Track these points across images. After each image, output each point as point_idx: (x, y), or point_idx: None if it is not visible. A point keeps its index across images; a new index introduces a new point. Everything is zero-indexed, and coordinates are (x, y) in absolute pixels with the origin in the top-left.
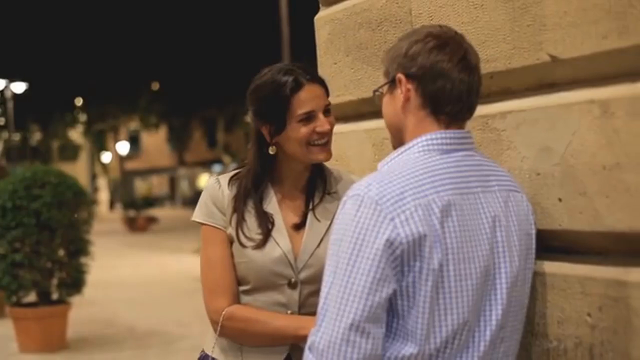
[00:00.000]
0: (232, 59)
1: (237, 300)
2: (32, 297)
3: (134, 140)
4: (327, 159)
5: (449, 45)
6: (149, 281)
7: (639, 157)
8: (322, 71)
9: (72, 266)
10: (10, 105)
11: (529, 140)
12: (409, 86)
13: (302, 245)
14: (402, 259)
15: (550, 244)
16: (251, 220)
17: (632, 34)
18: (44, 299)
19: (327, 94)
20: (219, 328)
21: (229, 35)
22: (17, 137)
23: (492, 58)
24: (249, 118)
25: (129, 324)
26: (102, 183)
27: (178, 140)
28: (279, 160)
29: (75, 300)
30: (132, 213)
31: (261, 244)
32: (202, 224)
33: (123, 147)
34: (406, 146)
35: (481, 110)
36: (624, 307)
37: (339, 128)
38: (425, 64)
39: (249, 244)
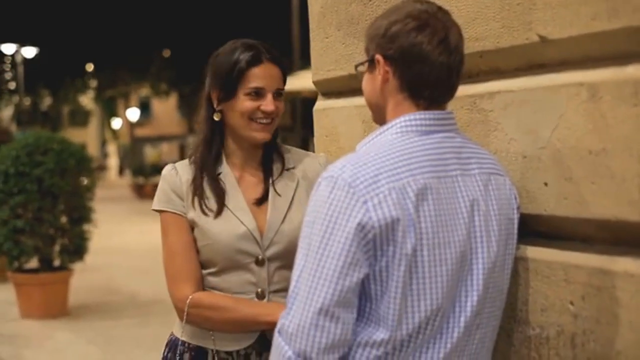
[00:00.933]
0: (242, 27)
1: (201, 286)
2: (34, 263)
3: (144, 107)
4: (265, 139)
5: (429, 26)
6: (153, 249)
7: (625, 143)
8: (313, 45)
9: (74, 233)
10: (20, 69)
11: (517, 122)
12: (387, 68)
13: (267, 222)
14: (375, 243)
15: (536, 229)
16: (208, 191)
17: (621, 16)
18: (46, 265)
19: (284, 79)
20: (185, 316)
21: (240, 3)
22: (27, 101)
23: (481, 36)
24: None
25: (131, 292)
26: (112, 149)
27: (188, 108)
28: (228, 133)
29: (77, 267)
30: (140, 180)
31: (217, 213)
32: (161, 211)
33: (133, 113)
34: (384, 127)
35: (469, 89)
36: (607, 297)
37: (330, 103)
38: (404, 46)
39: (209, 213)
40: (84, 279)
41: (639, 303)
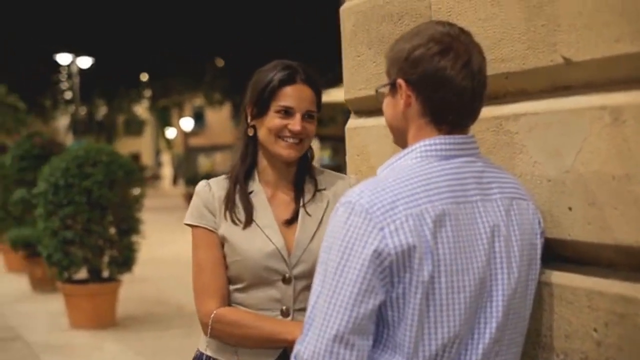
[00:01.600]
0: (295, 38)
1: (226, 302)
2: (83, 274)
3: (198, 117)
4: (290, 157)
5: (452, 49)
6: None
7: None
8: (345, 63)
9: (123, 244)
10: (76, 80)
11: (541, 144)
12: (409, 93)
13: (295, 240)
14: (392, 269)
15: (560, 254)
16: (240, 205)
17: None
18: (95, 276)
19: (318, 102)
20: (209, 330)
21: (293, 14)
22: (83, 111)
23: (507, 58)
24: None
25: (179, 303)
26: (166, 158)
27: (241, 117)
28: (260, 150)
29: (125, 277)
30: (194, 189)
31: (246, 224)
32: (193, 226)
33: (187, 123)
34: (405, 151)
35: (495, 111)
36: (630, 325)
37: (361, 122)
38: (427, 71)
39: (239, 224)
40: (132, 289)
41: None
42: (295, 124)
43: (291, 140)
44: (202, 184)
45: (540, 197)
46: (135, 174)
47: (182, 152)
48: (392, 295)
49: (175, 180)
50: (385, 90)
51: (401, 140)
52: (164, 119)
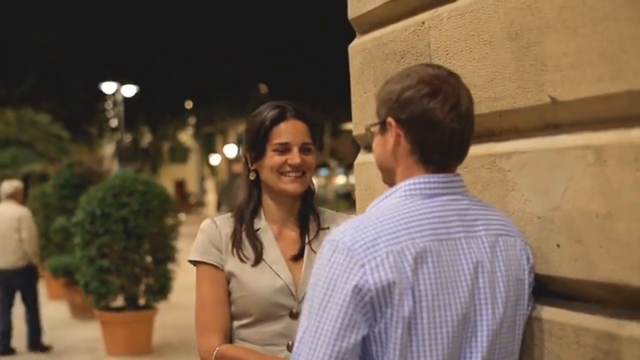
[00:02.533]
0: (338, 64)
1: (228, 339)
2: (120, 301)
3: (242, 143)
4: (296, 191)
5: (441, 91)
6: None
7: (630, 207)
8: (354, 100)
9: (159, 272)
10: (121, 108)
11: (532, 182)
12: (399, 131)
13: (302, 276)
14: (373, 305)
15: (550, 290)
16: (247, 243)
17: (623, 79)
18: (131, 303)
19: (312, 134)
20: None
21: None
22: (128, 139)
23: (499, 96)
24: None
25: None
26: (210, 185)
27: None
28: (265, 191)
29: (161, 305)
30: None
31: (255, 262)
32: (199, 262)
33: (231, 149)
34: (391, 190)
35: (490, 148)
36: None
37: (369, 158)
38: (417, 112)
39: (247, 262)
40: (168, 316)
41: None
42: (294, 157)
43: (293, 175)
44: (207, 222)
45: (530, 234)
46: (170, 203)
47: (226, 178)
48: (375, 330)
49: (219, 207)
50: (376, 129)
51: (389, 178)
52: (209, 146)
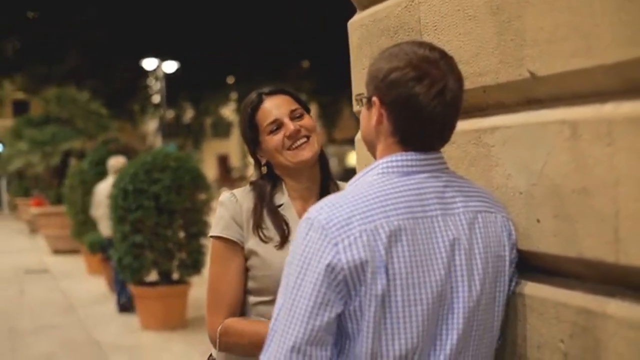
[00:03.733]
0: None
1: (235, 315)
2: (153, 276)
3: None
4: (310, 156)
5: (428, 76)
6: None
7: (603, 182)
8: (353, 76)
9: (192, 247)
10: (162, 84)
11: (514, 157)
12: (382, 111)
13: None
14: (347, 283)
15: (532, 265)
16: (268, 221)
17: (596, 54)
18: (165, 278)
19: (295, 99)
20: (217, 344)
21: None
22: (170, 114)
23: (483, 71)
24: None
25: None
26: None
27: (327, 118)
28: (281, 174)
29: (195, 279)
30: None
31: (280, 245)
32: (220, 237)
33: None
34: (368, 168)
35: (476, 124)
36: (591, 337)
37: None
38: (401, 95)
39: (269, 243)
40: (202, 291)
41: (617, 345)
42: (288, 127)
43: (298, 142)
44: (227, 195)
45: (513, 209)
46: (202, 178)
47: None
48: (350, 307)
49: None
50: (364, 101)
51: (372, 152)
52: None
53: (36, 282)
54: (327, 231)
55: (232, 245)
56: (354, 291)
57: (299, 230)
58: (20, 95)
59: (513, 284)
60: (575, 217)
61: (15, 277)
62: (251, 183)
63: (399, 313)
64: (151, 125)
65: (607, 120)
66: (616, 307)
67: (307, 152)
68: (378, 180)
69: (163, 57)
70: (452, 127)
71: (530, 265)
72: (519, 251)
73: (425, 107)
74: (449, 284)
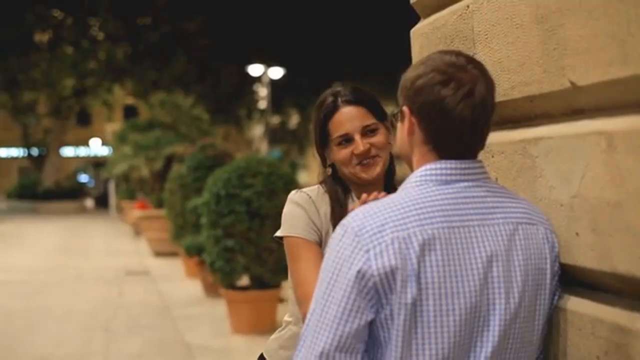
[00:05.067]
0: None
1: None
2: (245, 280)
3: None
4: (372, 177)
5: (454, 79)
6: None
7: (636, 196)
8: None
9: (283, 252)
10: (268, 90)
11: (556, 169)
12: (413, 120)
13: None
14: (377, 290)
15: (573, 279)
16: None
17: (631, 63)
18: (256, 283)
19: (373, 112)
20: None
21: None
22: (276, 120)
23: (529, 81)
24: None
25: None
26: None
27: None
28: (344, 177)
29: (285, 284)
30: None
31: None
32: (296, 237)
33: None
34: (408, 178)
35: (522, 134)
36: (624, 355)
37: None
38: (427, 101)
39: None
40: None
41: None
42: (357, 146)
43: (365, 162)
44: (302, 195)
45: (555, 221)
46: (294, 184)
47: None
48: (382, 315)
49: None
50: (397, 117)
51: (409, 165)
52: None
53: (135, 283)
54: (359, 237)
55: (313, 245)
56: (385, 299)
57: (333, 236)
58: (130, 101)
59: (556, 297)
60: (609, 231)
61: (116, 278)
62: (322, 183)
63: (430, 322)
64: (257, 130)
65: None
66: None
67: (369, 174)
68: (415, 189)
69: (269, 64)
70: (484, 131)
71: (571, 279)
72: (561, 264)
73: (453, 110)
74: (485, 295)
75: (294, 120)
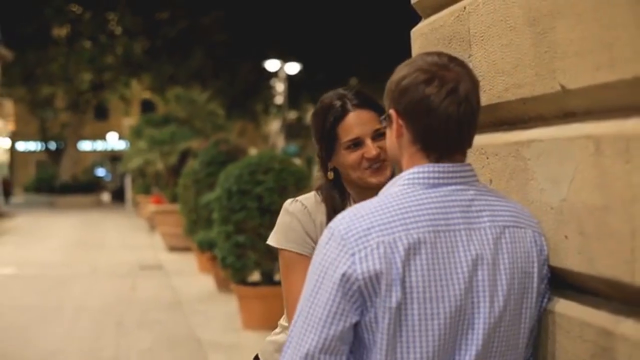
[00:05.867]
0: None
1: None
2: (256, 276)
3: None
4: (380, 182)
5: (437, 77)
6: None
7: (622, 200)
8: None
9: None
10: (285, 85)
11: (546, 172)
12: (400, 122)
13: None
14: (362, 293)
15: (562, 282)
16: None
17: (618, 67)
18: (267, 279)
19: (381, 116)
20: None
21: None
22: (293, 115)
23: (522, 83)
24: None
25: None
26: None
27: None
28: (347, 182)
29: None
30: None
31: None
32: (290, 251)
33: None
34: (395, 179)
35: (515, 136)
36: (610, 359)
37: None
38: (412, 100)
39: None
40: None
41: None
42: (369, 150)
43: (375, 166)
44: (296, 205)
45: (546, 224)
46: (305, 181)
47: None
48: (366, 318)
49: None
50: (386, 122)
51: (399, 168)
52: None
53: (149, 278)
54: (345, 241)
55: (305, 259)
56: (370, 302)
57: (322, 238)
58: (147, 95)
59: (545, 300)
60: (596, 235)
61: (129, 272)
62: (318, 190)
63: (415, 326)
64: (274, 126)
65: (626, 136)
66: (631, 329)
67: (377, 178)
68: (402, 192)
69: (286, 59)
70: (470, 128)
71: (560, 282)
72: (551, 267)
73: (438, 107)
74: (469, 299)
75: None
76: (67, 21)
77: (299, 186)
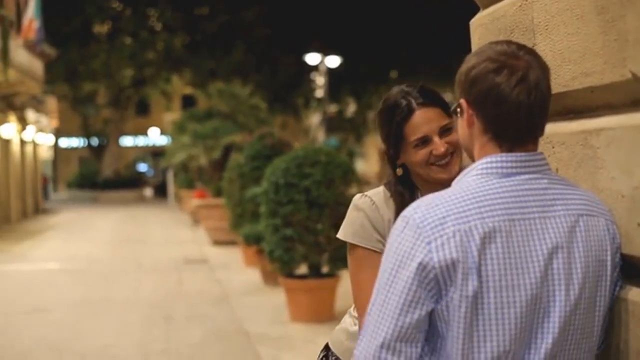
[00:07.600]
0: None
1: None
2: (303, 269)
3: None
4: (451, 177)
5: (506, 66)
6: None
7: None
8: None
9: (341, 241)
10: (325, 78)
11: (617, 160)
12: (471, 112)
13: None
14: (438, 282)
15: (634, 270)
16: None
17: None
18: (315, 272)
19: (447, 112)
20: None
21: None
22: (333, 109)
23: (590, 72)
24: None
25: None
26: None
27: None
28: (416, 178)
29: (344, 273)
30: None
31: None
32: (359, 246)
33: None
34: (468, 169)
35: (583, 125)
36: None
37: None
38: (482, 89)
39: None
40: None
41: None
42: (437, 147)
43: (443, 162)
44: (365, 200)
45: (617, 212)
46: (352, 173)
47: None
48: (439, 306)
49: None
50: (457, 112)
51: (471, 158)
52: None
53: (194, 272)
54: (421, 230)
55: (375, 254)
56: (445, 290)
57: (395, 227)
58: (188, 90)
59: (617, 288)
60: None
61: (175, 267)
62: (386, 185)
63: (492, 315)
64: (314, 119)
65: None
66: None
67: (449, 172)
68: (476, 182)
69: (326, 52)
70: (541, 117)
71: (633, 269)
72: (623, 255)
73: (508, 95)
74: (545, 287)
75: (351, 108)
76: (108, 18)
77: (346, 179)
